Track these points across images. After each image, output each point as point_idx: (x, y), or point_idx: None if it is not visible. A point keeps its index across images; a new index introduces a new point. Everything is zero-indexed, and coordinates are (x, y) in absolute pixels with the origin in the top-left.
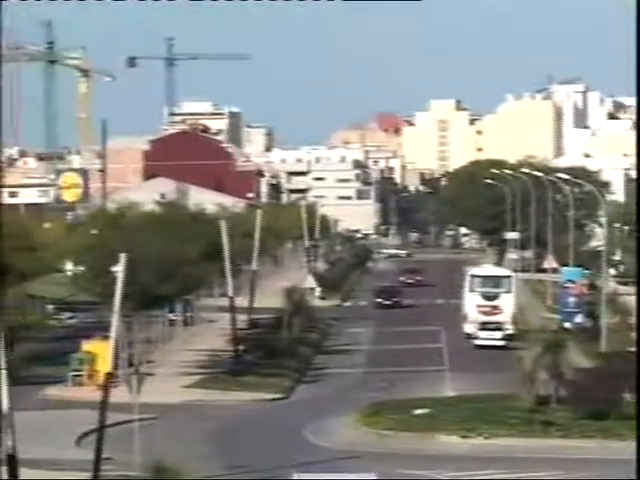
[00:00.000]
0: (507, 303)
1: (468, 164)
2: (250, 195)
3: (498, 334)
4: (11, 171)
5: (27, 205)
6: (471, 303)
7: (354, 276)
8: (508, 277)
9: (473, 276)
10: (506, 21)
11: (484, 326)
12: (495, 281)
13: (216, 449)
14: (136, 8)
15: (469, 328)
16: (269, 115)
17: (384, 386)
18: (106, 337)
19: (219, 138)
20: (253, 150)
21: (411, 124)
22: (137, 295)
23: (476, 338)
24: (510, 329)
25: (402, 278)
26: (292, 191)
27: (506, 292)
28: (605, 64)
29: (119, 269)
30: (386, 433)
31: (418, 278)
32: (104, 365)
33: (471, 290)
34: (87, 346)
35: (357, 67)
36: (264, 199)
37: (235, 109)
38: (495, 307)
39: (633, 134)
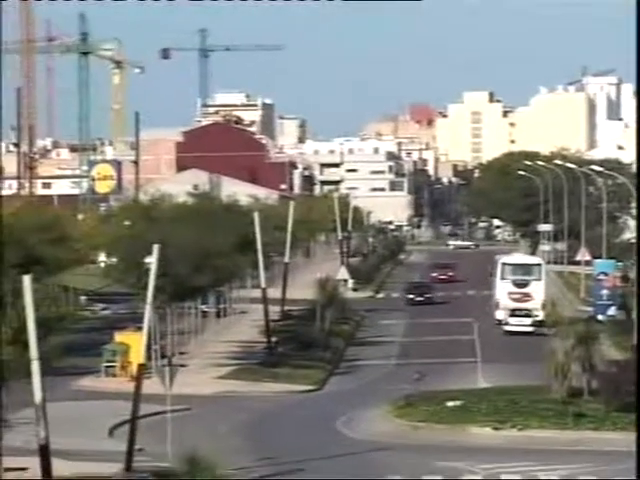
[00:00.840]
0: (537, 290)
1: (501, 156)
2: (283, 187)
3: (528, 320)
4: (44, 162)
5: (60, 196)
6: (502, 290)
7: (387, 268)
8: (538, 265)
9: (504, 264)
10: (540, 12)
11: (514, 312)
12: (526, 269)
13: (248, 441)
14: None
15: (500, 315)
16: (302, 107)
17: (416, 378)
18: (139, 328)
19: (252, 130)
20: (286, 142)
21: (444, 116)
22: (170, 286)
23: (506, 324)
24: (540, 316)
25: (434, 274)
26: (325, 183)
27: (536, 280)
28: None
29: (152, 260)
30: (418, 425)
31: (450, 274)
32: (137, 356)
33: (502, 278)
34: (120, 337)
35: (390, 58)
36: (297, 191)
37: (268, 101)
38: (526, 294)
39: None
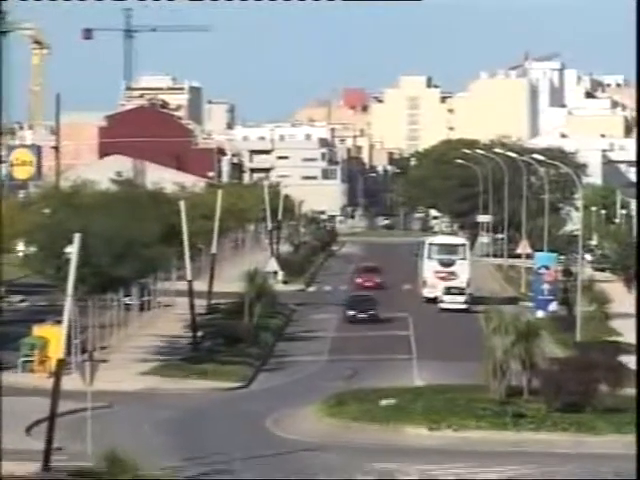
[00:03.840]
0: (463, 269)
1: (439, 144)
2: (211, 174)
3: (461, 298)
4: None
5: None
6: (429, 269)
7: (319, 260)
8: (463, 245)
9: (431, 244)
10: None
11: (448, 291)
12: (451, 249)
13: (173, 440)
14: None
15: (427, 292)
16: (231, 91)
17: (349, 375)
18: (58, 321)
19: (179, 114)
20: (214, 127)
21: (379, 101)
22: (91, 278)
23: (441, 302)
24: (471, 293)
25: (358, 280)
26: (255, 170)
27: (461, 259)
28: (583, 41)
29: (73, 250)
30: (351, 424)
31: (377, 280)
32: (56, 351)
33: (429, 257)
34: (39, 331)
35: (323, 41)
36: (225, 178)
37: (195, 84)
38: (451, 273)
39: (611, 114)
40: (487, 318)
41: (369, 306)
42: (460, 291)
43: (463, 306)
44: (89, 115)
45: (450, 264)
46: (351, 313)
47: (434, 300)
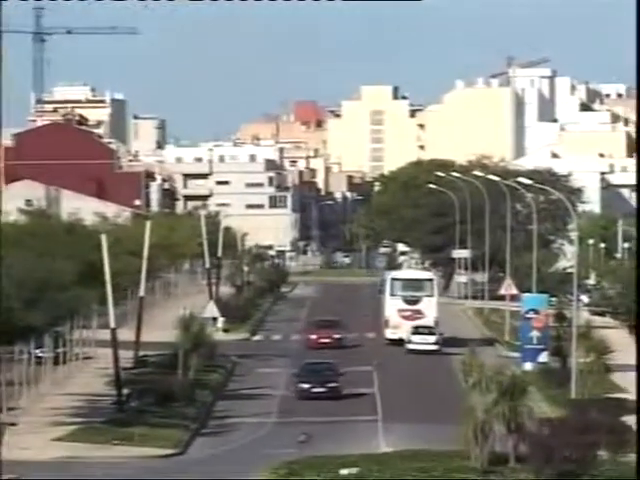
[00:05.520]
0: (429, 307)
1: (407, 165)
2: (137, 202)
3: (432, 338)
4: None
5: None
6: (392, 307)
7: (266, 304)
8: (430, 280)
9: (394, 279)
10: None
11: (417, 330)
12: (416, 284)
13: None
14: None
15: (390, 333)
16: (161, 104)
17: (302, 440)
18: None
19: (99, 131)
20: (141, 147)
21: (337, 115)
22: None
23: (409, 342)
24: (442, 333)
25: (312, 336)
26: (189, 198)
27: (428, 296)
28: (577, 44)
29: None
30: None
31: (336, 336)
32: None
33: (392, 294)
34: None
35: (271, 47)
36: (155, 207)
37: (119, 96)
38: (417, 311)
39: (611, 129)
40: (465, 371)
41: (328, 377)
42: (430, 330)
43: (434, 347)
44: None
45: (415, 301)
46: (304, 387)
47: (397, 342)
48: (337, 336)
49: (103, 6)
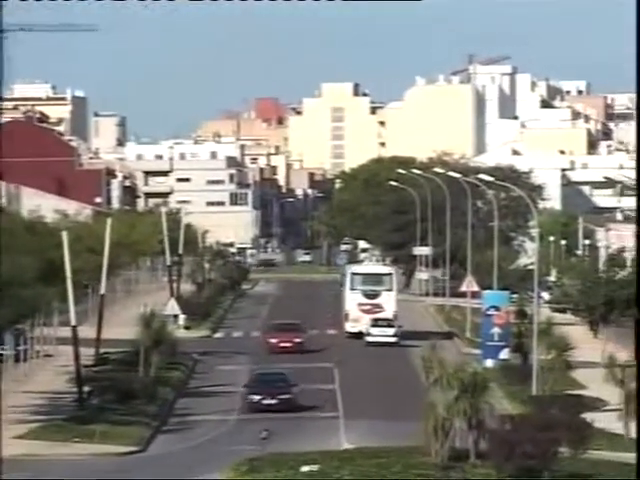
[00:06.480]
0: (388, 301)
1: (368, 162)
2: (98, 200)
3: (390, 331)
4: None
5: None
6: (352, 302)
7: (227, 301)
8: (389, 275)
9: (354, 274)
10: None
11: (376, 322)
12: (376, 279)
13: None
14: None
15: (350, 327)
16: (122, 102)
17: (263, 437)
18: None
19: (60, 129)
20: (102, 144)
21: (298, 113)
22: None
23: (368, 335)
24: (401, 326)
25: (272, 340)
26: (150, 195)
27: (387, 290)
28: (537, 40)
29: None
30: None
31: (297, 340)
32: None
33: (352, 288)
34: None
35: (232, 43)
36: (115, 205)
37: (79, 93)
38: (376, 305)
39: (572, 126)
40: (426, 367)
41: (280, 388)
42: (389, 323)
43: (393, 339)
44: None
45: (375, 295)
46: (255, 398)
47: (357, 335)
48: (298, 340)
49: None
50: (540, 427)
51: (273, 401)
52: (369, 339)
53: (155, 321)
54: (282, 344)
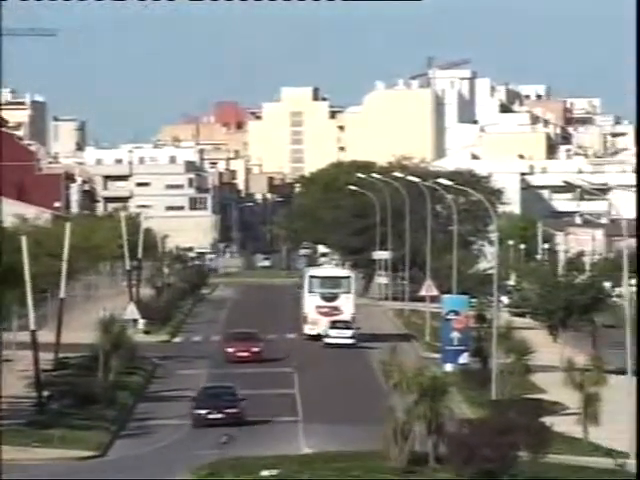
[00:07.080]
0: (347, 304)
1: (328, 167)
2: (57, 204)
3: (348, 332)
4: None
5: None
6: (310, 304)
7: (186, 305)
8: (347, 277)
9: (312, 277)
10: None
11: (334, 324)
12: (334, 282)
13: None
14: None
15: (309, 329)
16: (81, 106)
17: (224, 441)
18: None
19: (18, 133)
20: (61, 149)
21: (257, 117)
22: None
23: (326, 336)
24: (359, 328)
25: (229, 350)
26: (110, 199)
27: (345, 292)
28: (496, 45)
29: None
30: None
31: (255, 349)
32: None
33: (310, 291)
34: None
35: (191, 46)
36: (75, 209)
37: (39, 98)
38: (335, 308)
39: (531, 130)
40: (386, 372)
41: (227, 402)
42: (347, 325)
43: (350, 341)
44: None
45: (333, 298)
46: (201, 412)
47: (316, 338)
48: (255, 349)
49: (21, 7)
50: (499, 431)
51: (219, 415)
52: (327, 341)
53: (114, 325)
54: (239, 354)
